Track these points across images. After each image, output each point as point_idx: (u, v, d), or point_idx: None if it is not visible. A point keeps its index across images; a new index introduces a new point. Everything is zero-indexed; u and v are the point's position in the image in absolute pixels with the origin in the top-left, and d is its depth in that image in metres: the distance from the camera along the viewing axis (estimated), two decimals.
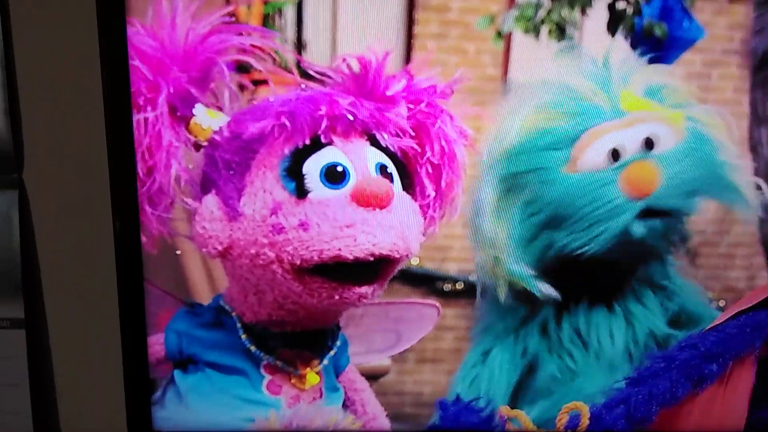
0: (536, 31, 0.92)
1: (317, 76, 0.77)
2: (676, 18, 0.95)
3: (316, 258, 0.71)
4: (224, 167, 0.72)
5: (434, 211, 0.79)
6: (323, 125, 0.71)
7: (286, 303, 0.76)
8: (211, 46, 0.73)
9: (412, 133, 0.76)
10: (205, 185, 0.74)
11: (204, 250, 0.74)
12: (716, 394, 0.68)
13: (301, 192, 0.71)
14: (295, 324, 0.79)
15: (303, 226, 0.70)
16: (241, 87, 0.78)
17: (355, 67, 0.75)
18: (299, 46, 0.89)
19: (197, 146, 0.74)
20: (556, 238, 0.79)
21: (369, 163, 0.74)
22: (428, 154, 0.77)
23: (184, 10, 0.71)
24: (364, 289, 0.75)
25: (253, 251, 0.72)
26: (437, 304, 0.92)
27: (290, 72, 0.77)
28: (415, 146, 0.77)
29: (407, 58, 0.81)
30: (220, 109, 0.75)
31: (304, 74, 0.78)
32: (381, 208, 0.72)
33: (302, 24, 0.88)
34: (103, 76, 0.70)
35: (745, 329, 0.67)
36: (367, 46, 0.75)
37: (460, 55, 0.92)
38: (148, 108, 0.70)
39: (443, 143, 0.77)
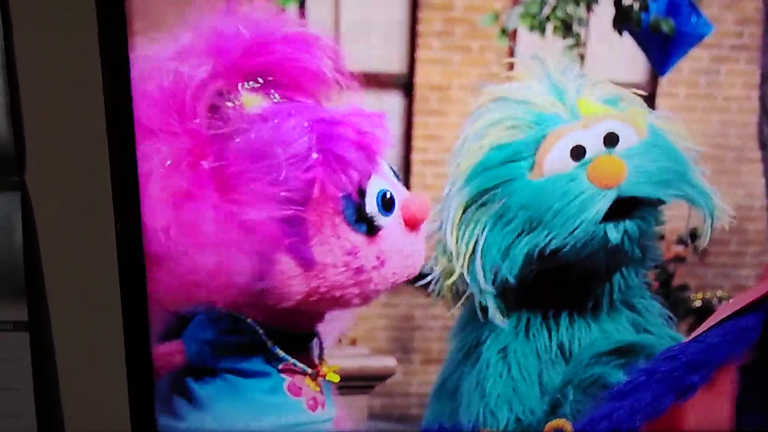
0: (542, 28, 0.92)
1: None
2: (684, 13, 0.94)
3: (389, 288, 0.72)
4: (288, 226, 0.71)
5: None
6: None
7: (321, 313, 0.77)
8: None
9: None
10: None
11: (283, 304, 0.74)
12: (699, 404, 0.67)
13: (373, 231, 0.72)
14: (309, 324, 0.79)
15: (381, 262, 0.71)
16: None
17: None
18: None
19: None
20: (536, 241, 0.78)
21: (390, 174, 0.74)
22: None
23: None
24: None
25: (338, 294, 0.72)
26: None
27: None
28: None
29: (411, 57, 0.81)
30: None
31: None
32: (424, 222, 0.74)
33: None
34: (104, 77, 0.70)
35: (727, 337, 0.65)
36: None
37: (464, 53, 0.91)
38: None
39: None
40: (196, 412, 0.77)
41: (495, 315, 0.81)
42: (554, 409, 0.82)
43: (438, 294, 0.86)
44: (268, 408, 0.77)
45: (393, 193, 0.73)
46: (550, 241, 0.77)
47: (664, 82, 0.96)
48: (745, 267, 0.96)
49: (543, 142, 0.78)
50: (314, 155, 0.68)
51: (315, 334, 0.81)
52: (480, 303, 0.82)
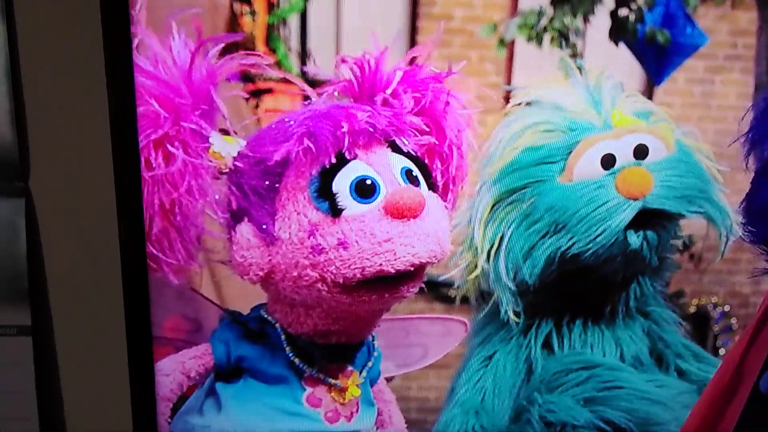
0: (539, 39, 0.93)
1: (323, 80, 0.77)
2: (679, 25, 0.95)
3: (358, 275, 0.71)
4: (253, 194, 0.72)
5: (448, 201, 0.79)
6: (346, 142, 0.71)
7: (335, 312, 0.76)
8: (211, 78, 0.72)
9: (427, 129, 0.76)
10: (236, 214, 0.74)
11: (245, 277, 0.74)
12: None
13: (335, 211, 0.71)
14: (339, 335, 0.79)
15: (342, 245, 0.71)
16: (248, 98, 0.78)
17: (349, 73, 0.75)
18: (303, 55, 0.90)
19: (219, 172, 0.74)
20: (558, 243, 0.79)
21: (395, 170, 0.74)
22: (445, 146, 0.77)
23: (182, 47, 0.71)
24: (407, 288, 0.75)
25: (295, 273, 0.72)
26: (465, 320, 0.91)
27: (292, 80, 0.77)
28: (434, 140, 0.77)
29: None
30: (236, 133, 0.75)
31: (310, 82, 0.78)
32: (414, 217, 0.72)
33: (306, 33, 0.89)
34: (108, 83, 0.71)
35: None
36: (365, 50, 0.75)
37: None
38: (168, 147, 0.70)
39: (456, 131, 0.77)
40: (216, 413, 0.78)
41: (510, 312, 0.82)
42: (519, 415, 0.83)
43: (461, 290, 0.87)
44: (282, 415, 0.78)
45: (378, 182, 0.73)
46: (573, 245, 0.79)
47: (659, 91, 0.98)
48: (740, 274, 0.96)
49: (575, 147, 0.80)
50: (297, 130, 0.70)
51: (359, 346, 0.81)
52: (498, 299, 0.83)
